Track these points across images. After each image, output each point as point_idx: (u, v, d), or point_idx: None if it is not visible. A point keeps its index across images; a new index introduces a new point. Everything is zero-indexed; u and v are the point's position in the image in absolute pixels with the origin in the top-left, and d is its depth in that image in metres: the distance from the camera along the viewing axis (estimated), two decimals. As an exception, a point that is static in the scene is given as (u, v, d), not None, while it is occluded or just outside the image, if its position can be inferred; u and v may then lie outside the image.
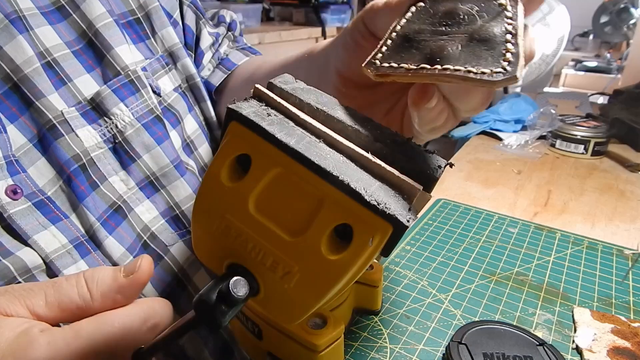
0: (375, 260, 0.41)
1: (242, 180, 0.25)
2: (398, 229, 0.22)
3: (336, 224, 0.23)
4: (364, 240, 0.23)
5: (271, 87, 0.28)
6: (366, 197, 0.22)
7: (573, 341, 0.40)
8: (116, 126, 0.40)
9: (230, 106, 0.26)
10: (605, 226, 0.62)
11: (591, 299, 0.46)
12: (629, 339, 0.39)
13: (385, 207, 0.22)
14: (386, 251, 0.24)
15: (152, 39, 0.46)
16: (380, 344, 0.39)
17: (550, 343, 0.38)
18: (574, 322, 0.42)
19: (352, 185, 0.22)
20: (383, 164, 0.23)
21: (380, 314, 0.42)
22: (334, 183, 0.23)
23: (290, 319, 0.26)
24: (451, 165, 0.25)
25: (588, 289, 0.47)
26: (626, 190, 0.74)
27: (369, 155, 0.24)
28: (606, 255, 0.54)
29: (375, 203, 0.22)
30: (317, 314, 0.34)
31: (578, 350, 0.39)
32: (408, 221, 0.22)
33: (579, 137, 0.88)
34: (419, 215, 0.51)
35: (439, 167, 0.24)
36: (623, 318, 0.42)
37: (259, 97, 0.27)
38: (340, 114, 0.26)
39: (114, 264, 0.39)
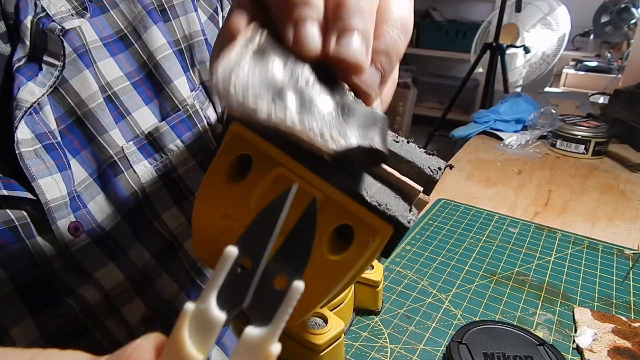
0: (375, 260, 0.41)
1: (243, 181, 0.25)
2: (399, 230, 0.22)
3: (337, 224, 0.23)
4: (364, 241, 0.23)
5: None
6: (367, 198, 0.22)
7: (573, 341, 0.40)
8: (171, 162, 0.40)
9: None
10: (605, 226, 0.62)
11: (592, 299, 0.46)
12: (629, 339, 0.39)
13: (386, 208, 0.22)
14: (387, 252, 0.24)
15: (191, 71, 0.45)
16: (381, 344, 0.39)
17: (550, 343, 0.38)
18: (574, 322, 0.42)
19: (353, 186, 0.22)
20: (383, 165, 0.24)
21: (380, 314, 0.42)
22: (335, 184, 0.23)
23: (291, 319, 0.26)
24: (451, 167, 0.25)
25: (588, 289, 0.47)
26: (627, 190, 0.74)
27: None
28: (607, 255, 0.54)
29: (376, 204, 0.22)
30: (317, 314, 0.34)
31: (578, 350, 0.39)
32: (409, 222, 0.22)
33: (579, 137, 0.88)
34: (419, 215, 0.51)
35: (439, 169, 0.24)
36: (623, 318, 0.42)
37: None
38: None
39: (167, 300, 0.40)
